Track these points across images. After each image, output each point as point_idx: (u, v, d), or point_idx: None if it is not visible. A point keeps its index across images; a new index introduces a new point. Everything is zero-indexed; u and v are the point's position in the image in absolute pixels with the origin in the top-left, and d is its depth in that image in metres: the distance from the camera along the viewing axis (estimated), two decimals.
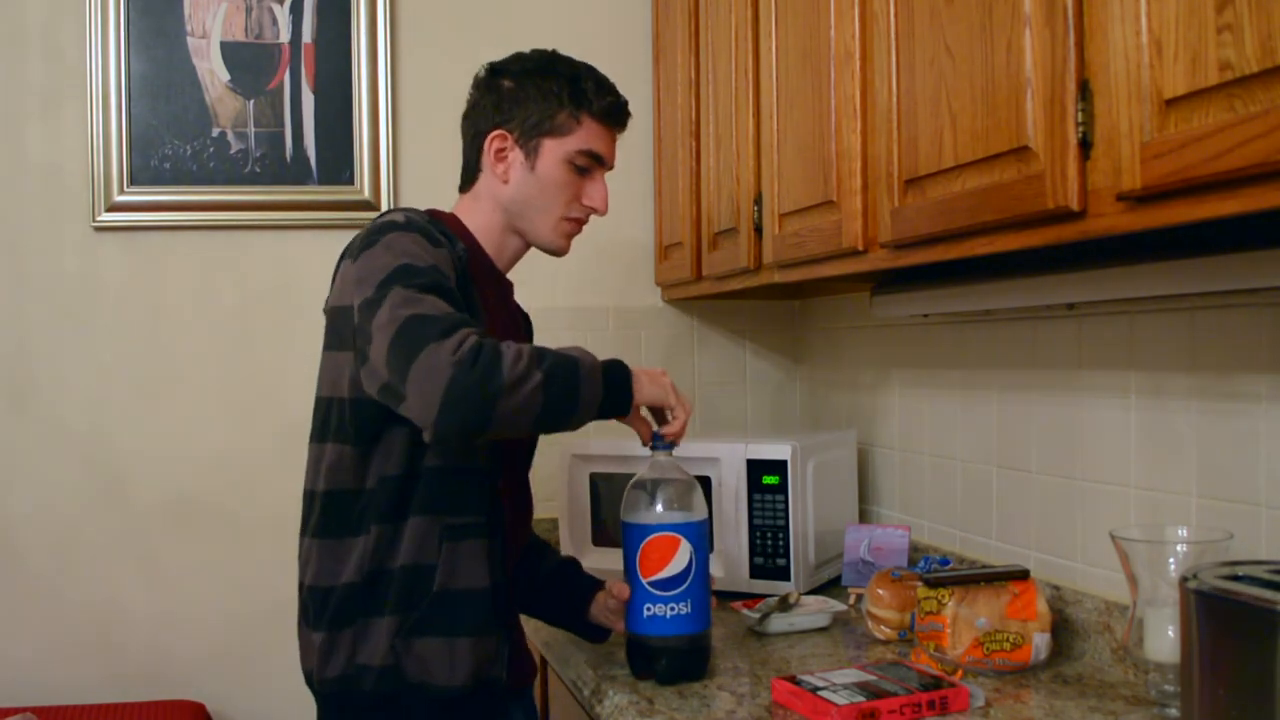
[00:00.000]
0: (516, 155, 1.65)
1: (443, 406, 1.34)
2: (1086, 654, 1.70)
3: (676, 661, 1.61)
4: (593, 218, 1.73)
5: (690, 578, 1.58)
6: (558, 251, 1.72)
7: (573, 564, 1.83)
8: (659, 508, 1.60)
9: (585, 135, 1.65)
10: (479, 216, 1.69)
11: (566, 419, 1.45)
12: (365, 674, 1.51)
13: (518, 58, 1.70)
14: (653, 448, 1.61)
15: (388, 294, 1.41)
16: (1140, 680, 1.54)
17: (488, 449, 1.57)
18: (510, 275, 1.76)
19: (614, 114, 1.68)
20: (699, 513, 1.61)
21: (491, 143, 1.66)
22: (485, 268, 1.67)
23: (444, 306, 1.41)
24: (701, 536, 1.61)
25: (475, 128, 1.69)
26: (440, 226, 1.60)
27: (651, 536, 1.58)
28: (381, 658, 1.50)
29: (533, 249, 1.75)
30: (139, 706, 2.41)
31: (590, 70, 1.69)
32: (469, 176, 1.71)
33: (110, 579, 2.54)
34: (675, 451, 1.62)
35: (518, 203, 1.67)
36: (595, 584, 1.77)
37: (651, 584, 1.58)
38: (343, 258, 1.56)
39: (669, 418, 1.60)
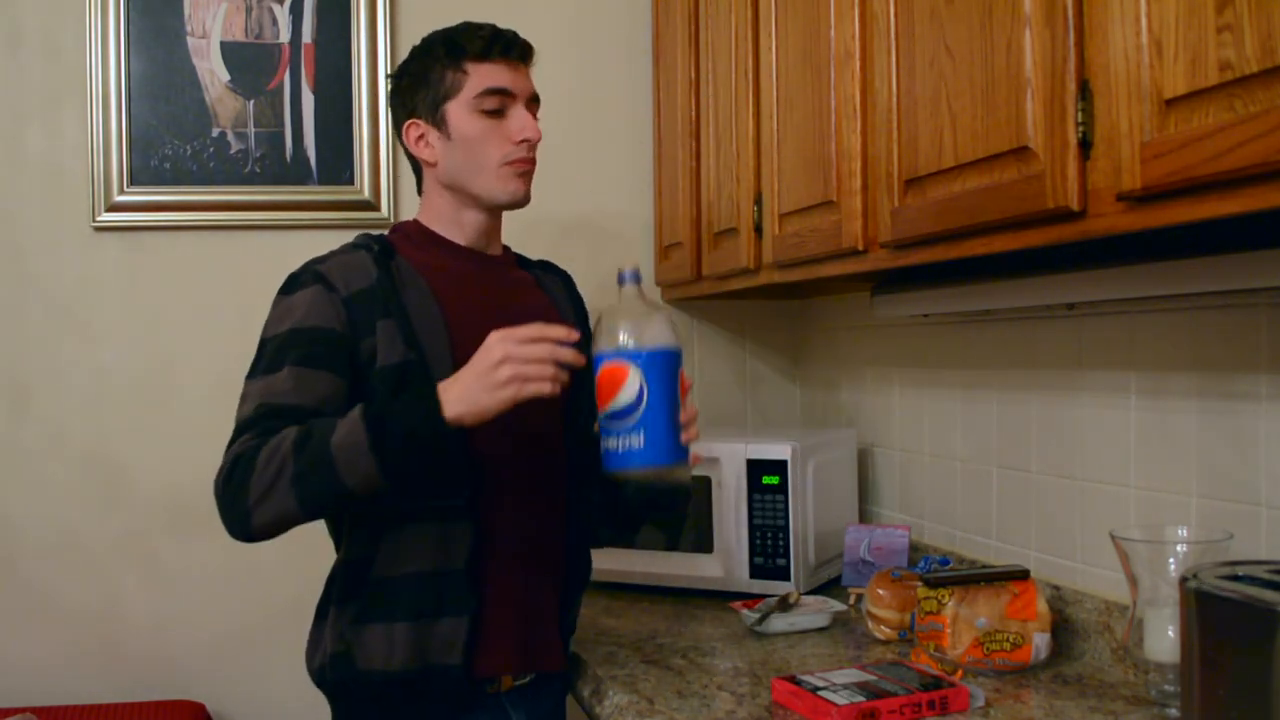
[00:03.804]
0: (432, 133, 1.69)
1: (222, 523, 1.50)
2: (1086, 654, 1.70)
3: (635, 503, 1.54)
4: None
5: (641, 407, 1.45)
6: (513, 200, 1.69)
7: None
8: (609, 337, 1.49)
9: (477, 80, 1.65)
10: (432, 208, 1.73)
11: (346, 501, 1.46)
12: (325, 663, 1.61)
13: (408, 56, 1.74)
14: (619, 282, 1.54)
15: (244, 387, 1.57)
16: (1140, 680, 1.54)
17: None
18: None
19: (494, 47, 1.65)
20: (654, 340, 1.48)
21: (409, 135, 1.71)
22: (442, 252, 1.70)
23: (254, 400, 1.53)
24: (656, 365, 1.47)
25: (399, 135, 1.74)
26: (367, 239, 1.68)
27: (602, 366, 1.48)
28: (333, 645, 1.59)
29: (511, 219, 1.76)
30: (139, 706, 2.41)
31: (467, 25, 1.69)
32: (418, 179, 1.76)
33: (110, 579, 2.54)
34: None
35: (452, 173, 1.69)
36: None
37: (605, 416, 1.48)
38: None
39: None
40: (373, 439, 1.42)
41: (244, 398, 1.56)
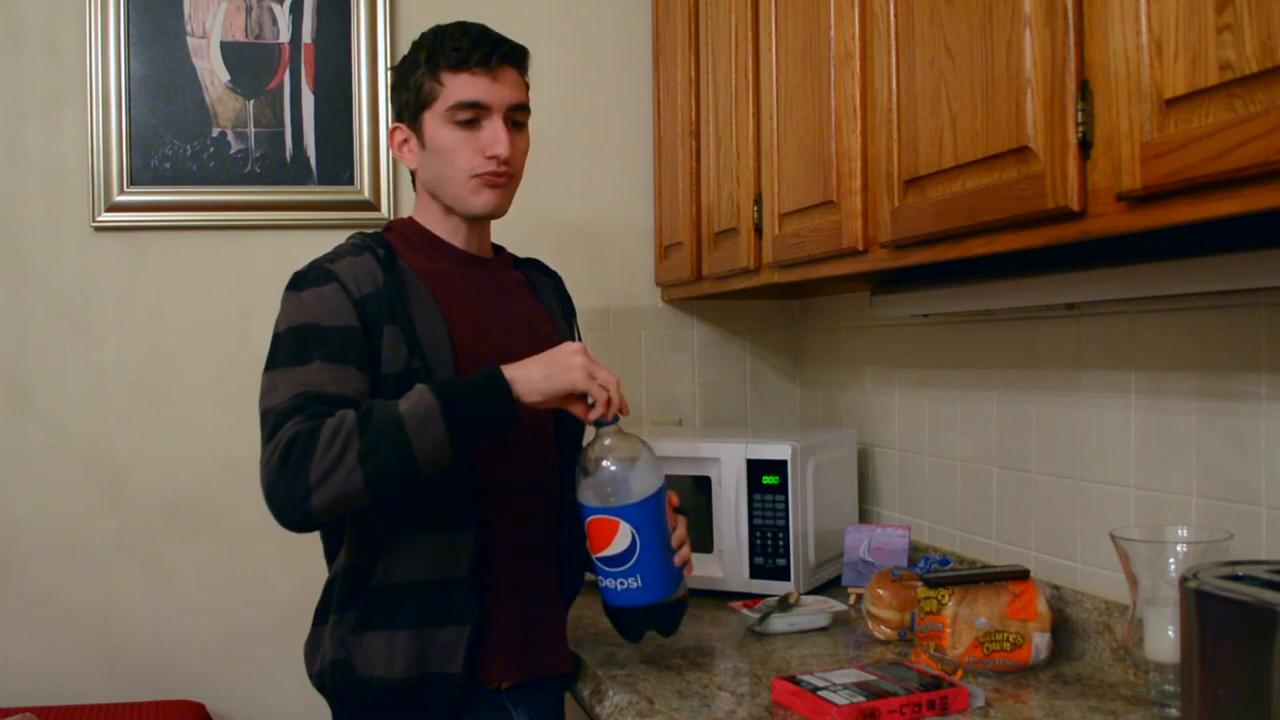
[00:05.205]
0: (412, 140, 1.70)
1: (271, 510, 1.45)
2: (1086, 654, 1.70)
3: (636, 624, 1.61)
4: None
5: (635, 555, 1.54)
6: (484, 211, 1.68)
7: None
8: (596, 490, 1.55)
9: (451, 91, 1.64)
10: (424, 209, 1.74)
11: (409, 475, 1.44)
12: (325, 669, 1.60)
13: (407, 51, 1.73)
14: (595, 424, 1.55)
15: (262, 380, 1.54)
16: (1140, 680, 1.54)
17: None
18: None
19: (470, 57, 1.63)
20: (641, 490, 1.55)
21: (394, 139, 1.72)
22: (440, 256, 1.70)
23: (290, 388, 1.48)
24: (646, 513, 1.55)
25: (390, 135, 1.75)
26: (368, 240, 1.67)
27: (591, 518, 1.56)
28: (333, 652, 1.59)
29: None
30: (139, 707, 2.41)
31: (451, 28, 1.67)
32: (413, 177, 1.77)
33: (110, 579, 2.54)
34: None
35: (430, 182, 1.70)
36: None
37: (599, 559, 1.57)
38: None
39: (590, 401, 1.53)
40: (443, 406, 1.44)
41: (271, 387, 1.52)
